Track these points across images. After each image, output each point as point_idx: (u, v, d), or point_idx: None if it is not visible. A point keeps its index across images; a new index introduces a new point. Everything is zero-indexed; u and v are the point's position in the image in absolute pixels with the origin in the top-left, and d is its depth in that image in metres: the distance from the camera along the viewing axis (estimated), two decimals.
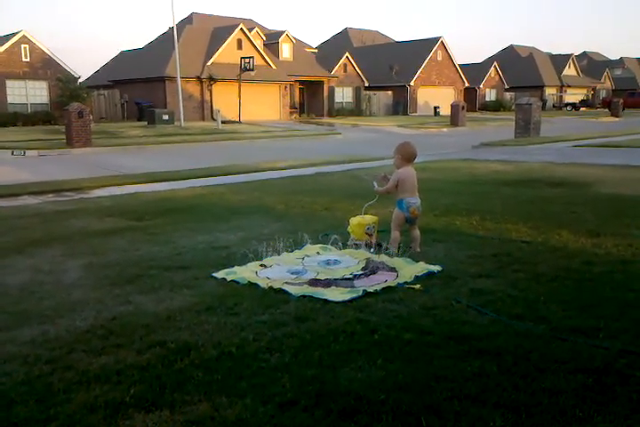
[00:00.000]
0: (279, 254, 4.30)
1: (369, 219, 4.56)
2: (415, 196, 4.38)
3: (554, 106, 55.52)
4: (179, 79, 27.65)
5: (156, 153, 17.29)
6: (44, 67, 28.85)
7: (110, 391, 2.19)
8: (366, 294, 3.34)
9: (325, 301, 3.21)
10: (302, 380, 2.24)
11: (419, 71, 45.98)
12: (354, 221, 4.58)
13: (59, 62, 29.58)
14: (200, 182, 9.33)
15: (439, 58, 47.69)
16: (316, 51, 44.59)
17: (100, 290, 3.56)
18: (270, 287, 3.48)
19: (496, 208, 6.30)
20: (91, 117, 19.15)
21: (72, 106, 18.21)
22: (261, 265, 4.03)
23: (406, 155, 4.34)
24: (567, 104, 56.17)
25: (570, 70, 62.55)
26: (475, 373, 2.32)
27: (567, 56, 63.11)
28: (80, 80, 31.46)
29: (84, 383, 2.27)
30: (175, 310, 3.11)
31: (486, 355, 2.49)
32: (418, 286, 3.48)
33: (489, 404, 2.06)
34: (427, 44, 47.63)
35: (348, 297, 3.26)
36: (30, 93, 28.63)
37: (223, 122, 28.08)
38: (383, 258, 4.15)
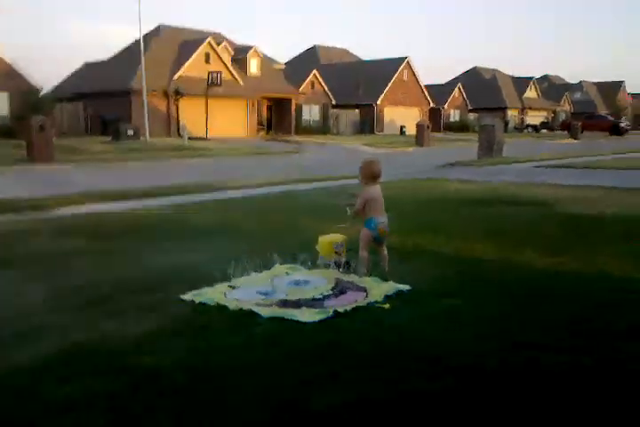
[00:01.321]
0: (248, 275, 4.28)
1: (337, 237, 4.58)
2: (383, 215, 4.42)
3: (515, 128, 57.09)
4: (144, 93, 27.44)
5: (120, 170, 17.05)
6: (5, 77, 28.15)
7: (78, 423, 2.13)
8: (337, 314, 3.35)
9: (296, 322, 3.21)
10: (274, 405, 2.22)
11: (385, 90, 46.80)
12: (323, 239, 4.59)
13: (20, 73, 28.98)
14: (165, 201, 9.21)
15: (405, 78, 48.69)
16: (284, 67, 44.97)
17: (64, 315, 3.46)
18: (240, 309, 3.46)
19: (460, 227, 6.42)
20: (53, 131, 18.79)
21: (34, 119, 17.81)
22: (230, 286, 4.00)
23: (371, 173, 4.38)
24: (528, 126, 57.86)
25: (531, 93, 64.64)
26: (443, 390, 2.35)
27: (529, 79, 65.26)
28: (43, 92, 30.88)
29: (50, 414, 2.19)
30: (142, 334, 3.05)
31: (453, 373, 2.52)
32: (387, 306, 3.51)
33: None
34: (393, 64, 48.63)
35: (317, 318, 3.26)
36: None
37: (190, 138, 27.93)
38: (352, 278, 4.17)
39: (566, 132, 43.77)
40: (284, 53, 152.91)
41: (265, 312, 3.38)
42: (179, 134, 30.62)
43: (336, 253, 4.52)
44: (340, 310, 3.40)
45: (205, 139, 30.56)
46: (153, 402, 2.26)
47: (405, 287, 3.92)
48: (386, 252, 4.50)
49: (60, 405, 2.26)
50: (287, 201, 9.20)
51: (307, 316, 3.31)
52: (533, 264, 4.67)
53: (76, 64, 39.88)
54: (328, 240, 4.54)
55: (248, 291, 3.89)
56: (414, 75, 49.77)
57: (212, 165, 19.13)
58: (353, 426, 2.10)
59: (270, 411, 2.19)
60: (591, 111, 63.37)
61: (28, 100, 27.64)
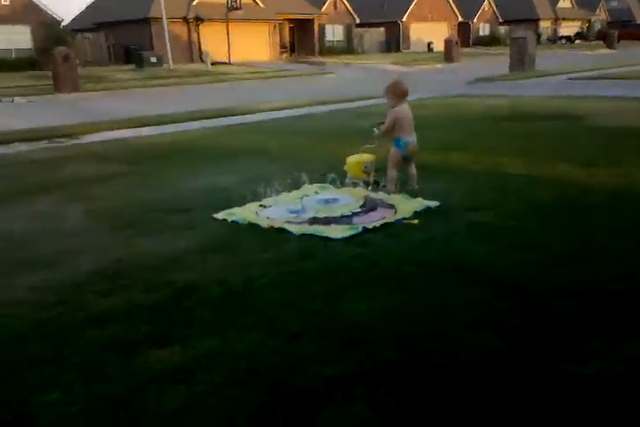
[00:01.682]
0: (278, 195, 4.28)
1: (366, 157, 4.51)
2: (412, 134, 4.32)
3: (548, 39, 53.94)
4: (165, 20, 26.62)
5: (146, 96, 16.88)
6: (26, 11, 27.59)
7: (121, 330, 2.24)
8: (365, 230, 3.36)
9: (326, 238, 3.24)
10: (308, 313, 2.29)
11: (411, 6, 44.32)
12: (351, 159, 4.53)
13: (40, 6, 28.34)
14: (193, 126, 9.16)
15: None
16: None
17: (102, 235, 3.57)
18: (271, 227, 3.49)
19: (490, 143, 6.25)
20: (77, 62, 18.54)
21: (57, 50, 17.56)
22: (261, 205, 4.02)
23: (398, 93, 4.24)
24: (562, 37, 54.62)
25: (564, 3, 60.40)
26: (473, 300, 2.37)
27: None
28: (63, 24, 30.26)
29: (95, 323, 2.31)
30: (179, 251, 3.13)
31: (484, 283, 2.53)
32: (416, 221, 3.50)
33: (487, 329, 2.12)
34: None
35: (347, 234, 3.27)
36: (13, 39, 27.55)
37: (212, 63, 27.28)
38: (381, 195, 4.14)
39: (602, 42, 41.31)
40: None
41: (296, 229, 3.41)
42: (201, 60, 29.92)
43: (365, 172, 4.47)
44: (369, 226, 3.41)
45: (228, 63, 29.84)
46: (191, 312, 2.35)
47: (434, 204, 3.88)
48: (414, 170, 4.43)
49: (105, 315, 2.37)
50: (315, 123, 9.04)
51: (336, 232, 3.33)
52: (565, 178, 4.55)
53: None
54: (356, 160, 4.47)
55: (279, 209, 3.91)
56: None
57: (236, 88, 18.78)
58: (381, 332, 2.15)
59: (304, 319, 2.25)
60: (628, 20, 59.29)
61: (50, 32, 27.16)
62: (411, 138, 4.30)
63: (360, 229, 3.35)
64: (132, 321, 2.32)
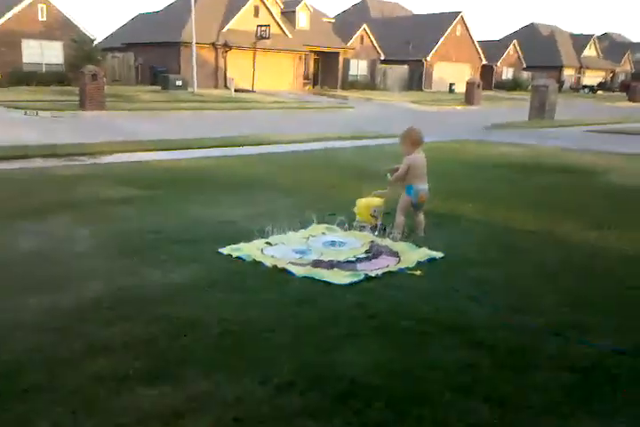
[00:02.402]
0: (285, 233, 4.35)
1: (376, 201, 4.58)
2: (424, 182, 4.39)
3: (571, 87, 54.60)
4: (194, 45, 27.35)
5: (169, 119, 17.24)
6: (60, 27, 28.57)
7: (116, 363, 2.28)
8: (367, 278, 3.40)
9: (327, 283, 3.28)
10: (301, 362, 2.31)
11: (436, 46, 45.19)
12: (361, 202, 4.60)
13: (75, 23, 29.33)
14: (211, 153, 9.33)
15: (458, 33, 46.80)
16: (334, 21, 43.77)
17: (109, 260, 3.64)
18: (274, 266, 3.54)
19: (503, 194, 6.31)
20: (104, 80, 19.04)
21: (87, 68, 18.10)
22: (267, 243, 4.08)
23: (414, 141, 4.34)
24: (584, 86, 55.23)
25: (590, 51, 61.30)
26: (465, 364, 2.38)
27: (588, 36, 61.75)
28: (95, 42, 31.19)
29: (90, 353, 2.35)
30: (181, 283, 3.18)
31: (479, 347, 2.54)
32: (419, 272, 3.53)
33: (478, 396, 2.13)
34: (446, 19, 46.69)
35: (348, 280, 3.31)
36: (45, 54, 28.42)
37: (236, 90, 27.90)
38: (387, 242, 4.19)
39: (625, 93, 41.64)
40: (333, 7, 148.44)
41: (299, 271, 3.46)
42: (226, 86, 30.57)
43: (373, 216, 4.54)
44: (372, 274, 3.45)
45: (252, 91, 30.44)
46: (186, 351, 2.38)
47: (439, 255, 3.91)
48: (423, 217, 4.49)
49: (102, 346, 2.41)
50: (331, 158, 9.16)
51: (338, 278, 3.37)
52: (574, 238, 4.56)
53: (130, 15, 39.78)
54: (366, 203, 4.54)
55: (284, 249, 3.97)
56: (467, 30, 47.73)
57: (257, 117, 19.13)
58: (372, 390, 2.17)
59: (296, 369, 2.28)
60: None
61: (82, 49, 28.00)
62: (423, 186, 4.37)
63: (362, 277, 3.39)
64: (127, 355, 2.36)
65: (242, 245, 4.01)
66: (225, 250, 3.87)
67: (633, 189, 6.98)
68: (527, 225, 4.93)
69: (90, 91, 17.53)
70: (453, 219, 5.05)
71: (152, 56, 32.35)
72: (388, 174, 4.52)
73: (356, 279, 3.35)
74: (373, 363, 2.35)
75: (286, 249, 3.97)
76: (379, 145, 11.28)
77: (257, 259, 3.68)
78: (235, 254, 3.77)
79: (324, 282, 3.29)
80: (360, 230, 4.48)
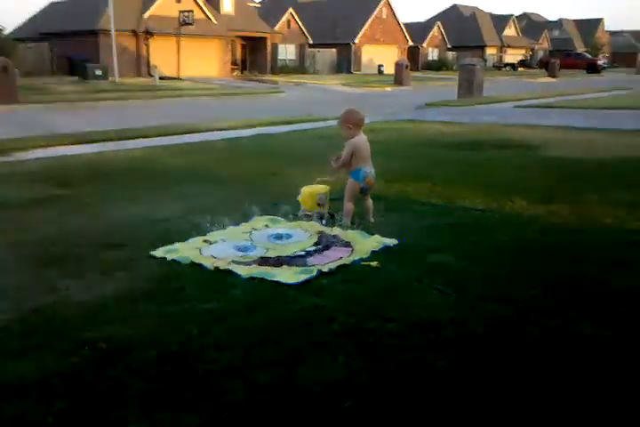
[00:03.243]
0: (224, 228, 3.95)
1: (320, 188, 4.24)
2: (370, 164, 4.10)
3: (494, 66, 55.99)
4: (113, 32, 25.96)
5: (89, 111, 16.18)
6: None
7: (29, 409, 1.84)
8: (321, 273, 3.06)
9: (277, 283, 2.93)
10: (256, 386, 1.96)
11: (363, 29, 45.10)
12: (305, 190, 4.25)
13: None
14: (136, 144, 8.69)
15: (384, 15, 46.87)
16: (259, 5, 42.79)
17: (23, 274, 3.12)
18: (216, 268, 3.15)
19: (446, 173, 6.12)
20: (16, 71, 17.66)
21: None
22: (205, 241, 3.67)
23: (355, 123, 4.02)
24: (506, 64, 56.74)
25: (510, 31, 63.11)
26: (440, 368, 2.10)
27: (508, 17, 63.49)
28: (5, 32, 29.07)
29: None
30: (108, 298, 2.74)
31: (452, 345, 2.28)
32: (375, 263, 3.24)
33: (461, 411, 1.85)
34: (372, 2, 46.59)
35: (301, 278, 2.96)
36: None
37: (161, 78, 26.74)
38: (336, 231, 3.87)
39: (544, 70, 43.05)
40: None
41: (244, 272, 3.08)
42: (149, 74, 29.25)
43: (319, 204, 4.20)
44: (325, 269, 3.11)
45: (178, 79, 29.30)
46: (116, 385, 1.97)
47: (392, 242, 3.63)
48: (371, 202, 4.20)
49: (11, 387, 1.96)
50: (266, 145, 8.74)
51: (289, 276, 3.02)
52: (524, 214, 4.41)
53: (41, 3, 37.34)
54: (310, 191, 4.20)
55: (225, 247, 3.57)
56: (393, 12, 47.92)
57: (184, 105, 18.31)
58: (342, 412, 1.85)
59: (251, 394, 1.93)
60: (569, 49, 62.35)
61: None
62: (369, 169, 4.07)
63: (315, 273, 3.05)
64: (43, 395, 1.93)
65: (177, 245, 3.57)
66: (158, 252, 3.43)
67: (573, 161, 6.96)
68: (476, 203, 4.73)
69: (1, 84, 16.20)
70: (401, 202, 4.79)
71: (69, 46, 30.41)
72: (332, 162, 4.19)
73: (308, 276, 3.00)
74: (340, 377, 2.02)
75: (227, 246, 3.58)
76: (314, 129, 10.94)
77: (195, 261, 3.27)
78: (170, 257, 3.34)
79: (274, 282, 2.94)
80: (306, 220, 4.15)
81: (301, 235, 3.83)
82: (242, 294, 2.77)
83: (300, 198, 4.27)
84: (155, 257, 3.36)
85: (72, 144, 8.74)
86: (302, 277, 2.98)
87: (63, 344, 2.26)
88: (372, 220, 4.16)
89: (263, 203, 4.74)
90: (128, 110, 16.28)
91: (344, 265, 3.21)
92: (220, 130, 10.77)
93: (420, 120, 12.46)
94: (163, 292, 2.81)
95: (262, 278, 2.98)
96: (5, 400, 1.90)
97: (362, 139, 4.05)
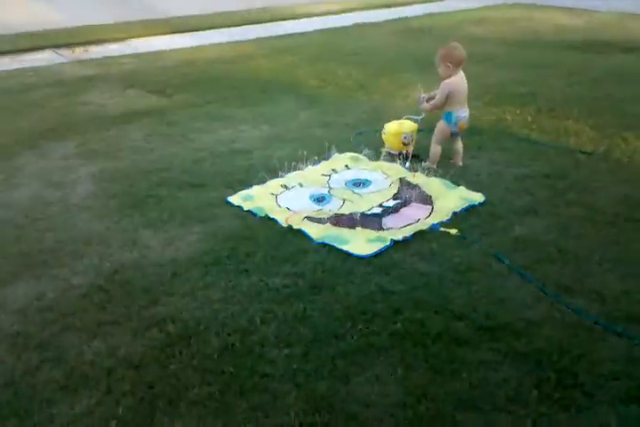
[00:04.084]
0: (303, 169, 3.72)
1: (406, 127, 3.82)
2: (465, 107, 3.57)
3: None
4: None
5: None
6: None
7: (96, 407, 1.90)
8: (394, 243, 2.85)
9: (348, 254, 2.75)
10: (311, 399, 1.90)
11: None
12: (390, 128, 3.85)
13: None
14: (227, 36, 8.22)
15: None
16: None
17: (106, 218, 3.14)
18: (289, 226, 3.00)
19: (556, 92, 5.32)
20: None
21: None
22: (282, 186, 3.50)
23: (455, 61, 3.43)
24: None
25: None
26: (510, 392, 1.93)
27: None
28: None
29: (69, 392, 1.97)
30: (182, 261, 2.70)
31: (524, 360, 2.07)
32: (454, 231, 2.94)
33: None
34: None
35: (373, 250, 2.75)
36: None
37: None
38: (419, 179, 3.53)
39: None
40: None
41: (316, 234, 2.90)
42: None
43: (404, 144, 3.83)
44: (399, 237, 2.87)
45: None
46: (179, 382, 1.98)
47: (478, 199, 3.26)
48: (461, 144, 3.75)
49: (83, 376, 1.99)
50: (360, 41, 7.93)
51: (361, 245, 2.80)
52: (638, 161, 3.80)
53: None
54: (396, 129, 3.80)
55: (301, 194, 3.38)
56: None
57: None
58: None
59: (304, 410, 1.88)
60: None
61: None
62: (463, 113, 3.57)
63: (388, 243, 2.82)
64: (111, 393, 1.97)
65: (254, 189, 3.43)
66: (235, 199, 3.31)
67: None
68: (582, 142, 4.11)
69: None
70: (497, 136, 4.25)
71: None
72: (424, 102, 3.70)
73: (380, 248, 2.78)
74: (396, 395, 1.90)
75: (304, 195, 3.38)
76: (419, 17, 9.82)
77: (270, 214, 3.13)
78: (246, 207, 3.21)
79: (345, 254, 2.77)
80: (389, 159, 3.82)
81: (381, 182, 3.53)
82: (310, 268, 2.62)
83: (384, 136, 3.90)
84: (231, 204, 3.26)
85: (168, 33, 8.45)
86: (374, 249, 2.77)
87: (135, 321, 2.30)
88: (460, 164, 3.76)
89: (348, 128, 4.43)
90: None
91: (421, 232, 2.96)
92: (317, 15, 9.94)
93: (536, 5, 10.79)
94: (234, 256, 2.72)
95: (333, 246, 2.81)
96: (76, 393, 1.97)
97: (460, 79, 3.50)
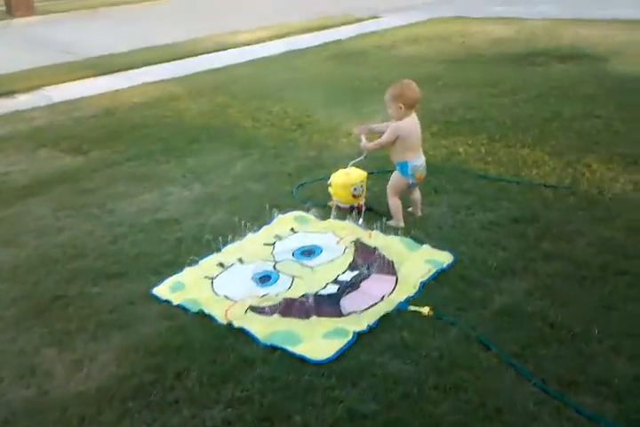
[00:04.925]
0: (242, 238, 3.17)
1: (355, 177, 3.33)
2: (420, 153, 3.10)
3: None
4: None
5: (118, 18, 14.70)
6: None
7: None
8: (357, 336, 2.33)
9: (302, 360, 2.21)
10: None
11: None
12: (337, 180, 3.35)
13: None
14: (148, 75, 7.60)
15: None
16: None
17: (12, 329, 2.51)
18: (229, 324, 2.44)
19: (504, 116, 4.96)
20: None
21: None
22: (219, 264, 2.93)
23: (409, 102, 2.95)
24: None
25: None
26: None
27: None
28: None
29: None
30: (92, 395, 2.07)
31: None
32: (426, 311, 2.44)
33: None
34: None
35: (333, 352, 2.22)
36: None
37: None
38: (376, 240, 3.04)
39: None
40: None
41: (262, 333, 2.33)
42: None
43: (354, 196, 3.33)
44: (363, 326, 2.33)
45: None
46: None
47: (446, 260, 2.79)
48: (419, 193, 3.27)
49: None
50: (299, 71, 7.47)
51: (317, 343, 2.26)
52: (609, 191, 3.39)
53: None
54: (344, 182, 3.30)
55: (242, 275, 2.81)
56: None
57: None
58: None
59: None
60: None
61: None
62: (419, 161, 3.09)
63: (351, 337, 2.30)
64: None
65: (185, 273, 2.84)
66: (162, 291, 2.70)
67: None
68: (544, 173, 3.72)
69: None
70: (452, 174, 3.80)
71: None
72: (363, 137, 3.23)
73: (342, 345, 2.25)
74: None
75: (245, 275, 2.81)
76: (352, 38, 9.46)
77: (205, 309, 2.55)
78: (175, 301, 2.62)
79: (298, 357, 2.23)
80: (339, 216, 3.31)
81: (333, 248, 3.01)
82: (258, 388, 2.05)
83: (330, 189, 3.40)
84: (158, 299, 2.66)
85: (87, 77, 7.77)
86: (334, 348, 2.22)
87: None
88: (420, 213, 3.29)
89: (290, 178, 3.92)
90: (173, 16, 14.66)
91: (387, 315, 2.44)
92: (244, 45, 9.45)
93: (467, 17, 10.66)
94: (160, 381, 2.13)
95: (284, 350, 2.27)
96: None
97: (412, 123, 3.03)
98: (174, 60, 8.56)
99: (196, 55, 8.80)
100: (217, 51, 9.10)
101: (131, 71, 7.97)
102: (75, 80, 7.59)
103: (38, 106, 6.44)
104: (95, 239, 3.29)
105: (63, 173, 4.40)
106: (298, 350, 2.24)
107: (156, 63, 8.34)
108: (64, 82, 7.50)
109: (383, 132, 3.07)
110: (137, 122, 5.57)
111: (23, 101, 6.71)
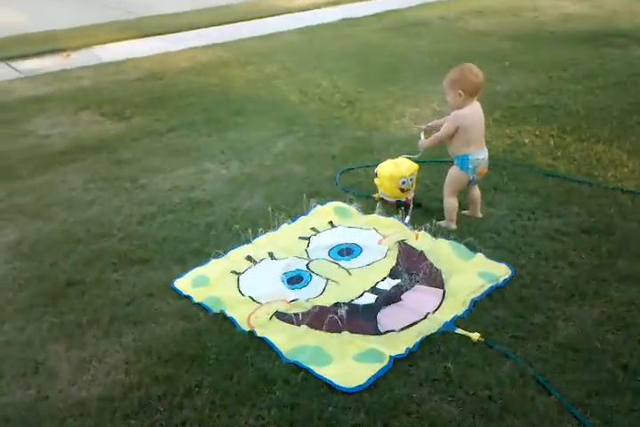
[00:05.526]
0: (276, 228, 2.85)
1: (405, 169, 2.94)
2: (482, 147, 2.67)
3: None
4: None
5: None
6: None
7: None
8: (393, 362, 2.00)
9: (330, 385, 1.91)
10: None
11: None
12: (384, 171, 2.97)
13: None
14: (199, 39, 7.22)
15: None
16: None
17: (7, 324, 2.27)
18: (251, 332, 2.16)
19: (577, 104, 4.39)
20: None
21: None
22: (248, 258, 2.63)
23: (470, 88, 2.52)
24: None
25: None
26: None
27: None
28: None
29: None
30: (93, 405, 1.82)
31: None
32: (477, 337, 2.08)
33: None
34: None
35: (365, 379, 1.90)
36: None
37: None
38: (423, 242, 2.67)
39: None
40: None
41: (286, 347, 2.05)
42: None
43: (402, 190, 2.95)
44: (401, 349, 2.00)
45: None
46: None
47: (503, 274, 2.40)
48: (479, 192, 2.85)
49: None
50: (349, 39, 6.96)
51: (347, 366, 1.95)
52: None
53: None
54: (391, 174, 2.92)
55: (271, 273, 2.51)
56: None
57: None
58: None
59: None
60: None
61: None
62: (482, 155, 2.67)
63: (387, 363, 1.98)
64: None
65: (211, 265, 2.56)
66: (183, 284, 2.43)
67: None
68: (620, 175, 3.21)
69: None
70: (516, 170, 3.33)
71: None
72: (421, 134, 2.82)
73: (376, 371, 1.93)
74: None
75: (275, 273, 2.51)
76: (414, 8, 8.79)
77: (227, 311, 2.27)
78: (196, 298, 2.35)
79: (325, 381, 1.93)
80: (384, 211, 2.94)
81: (374, 249, 2.66)
82: (275, 417, 1.77)
83: (376, 180, 3.03)
84: (177, 292, 2.39)
85: (136, 37, 7.47)
86: (367, 375, 1.90)
87: None
88: (480, 215, 2.88)
89: (333, 161, 3.56)
90: None
91: (428, 338, 2.10)
92: (296, 11, 8.90)
93: None
94: (169, 395, 1.86)
95: (309, 371, 1.97)
96: None
97: (475, 112, 2.59)
98: (227, 23, 8.14)
99: (248, 20, 8.35)
100: (271, 16, 8.61)
101: (181, 33, 7.61)
102: (124, 40, 7.30)
103: (86, 65, 6.20)
104: (123, 218, 3.04)
105: (102, 139, 4.16)
106: (324, 373, 1.93)
107: (207, 26, 7.95)
108: (114, 41, 7.22)
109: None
110: (182, 89, 5.26)
111: (72, 59, 6.49)
